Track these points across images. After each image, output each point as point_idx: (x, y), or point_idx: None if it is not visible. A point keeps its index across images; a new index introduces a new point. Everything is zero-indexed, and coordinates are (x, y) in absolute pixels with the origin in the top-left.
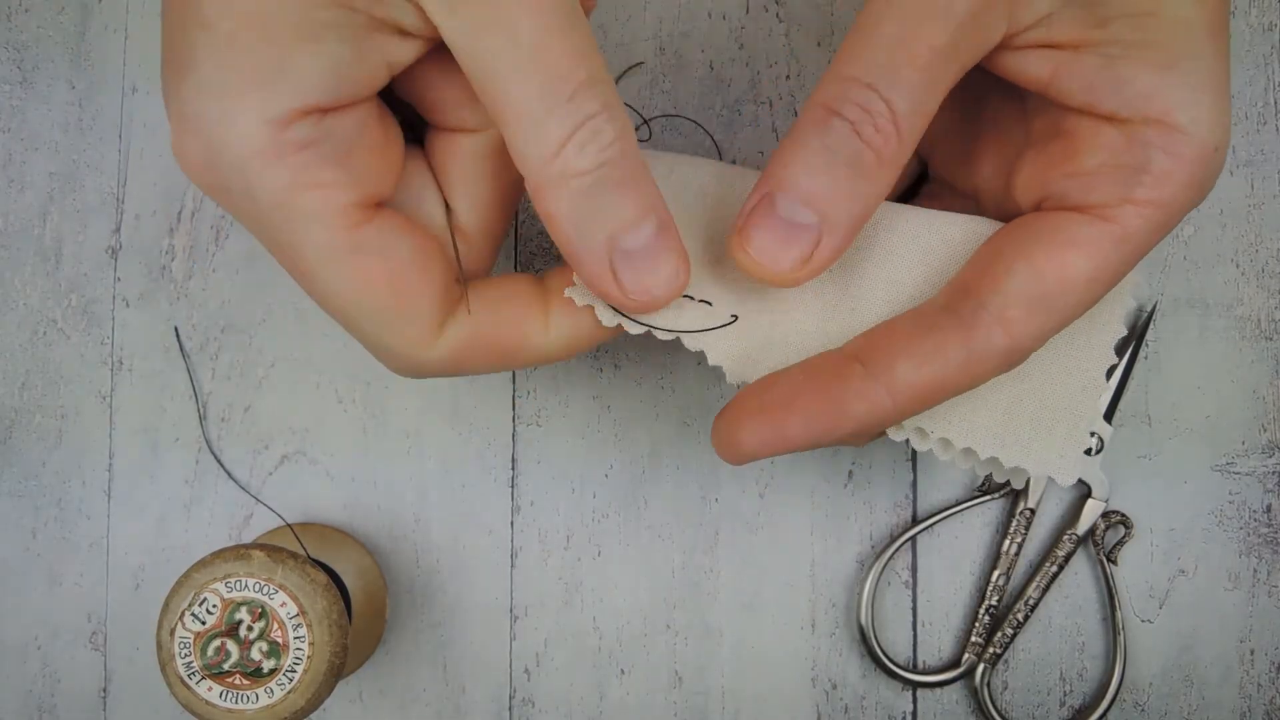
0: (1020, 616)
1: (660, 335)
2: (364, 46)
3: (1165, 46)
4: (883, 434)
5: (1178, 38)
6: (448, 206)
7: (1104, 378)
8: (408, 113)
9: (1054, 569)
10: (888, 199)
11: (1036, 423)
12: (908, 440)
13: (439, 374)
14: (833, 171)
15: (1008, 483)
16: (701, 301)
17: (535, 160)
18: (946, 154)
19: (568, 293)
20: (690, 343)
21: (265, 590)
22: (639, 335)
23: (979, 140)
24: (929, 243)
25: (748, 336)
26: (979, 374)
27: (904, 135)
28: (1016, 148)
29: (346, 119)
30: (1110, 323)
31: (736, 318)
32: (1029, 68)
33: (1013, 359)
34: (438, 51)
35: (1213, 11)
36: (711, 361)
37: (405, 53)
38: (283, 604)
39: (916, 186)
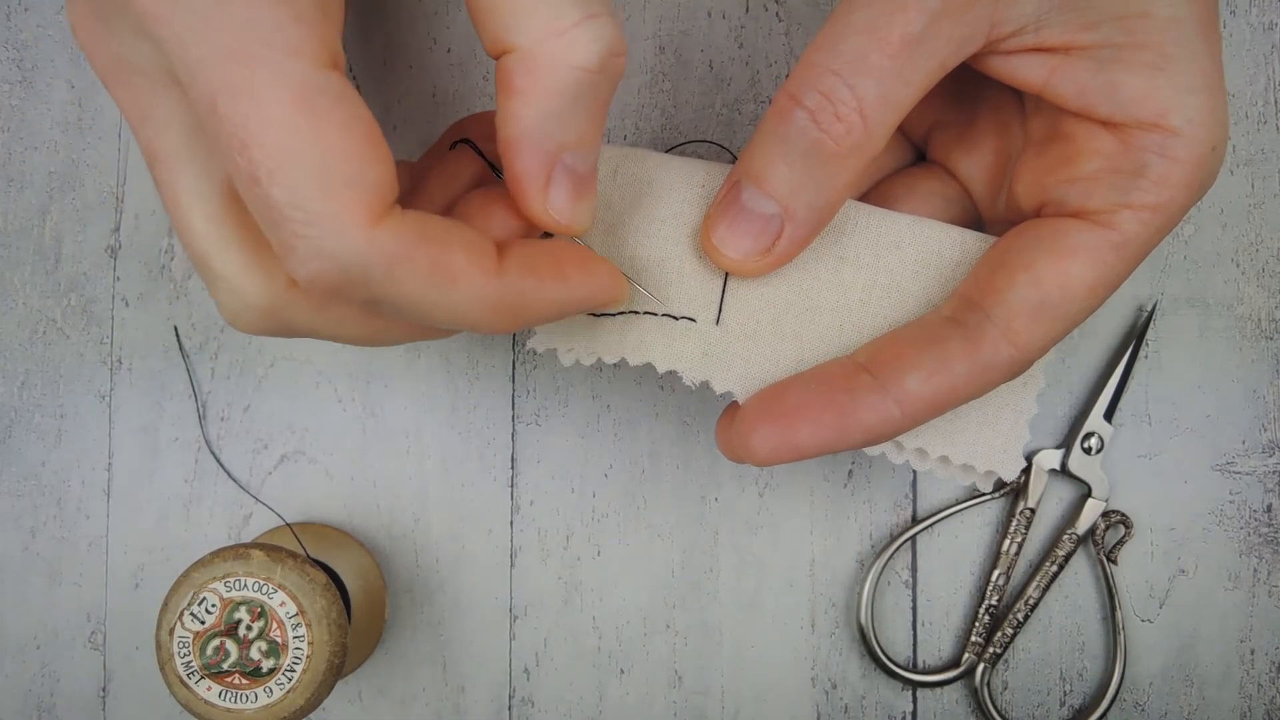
0: (1020, 616)
1: (632, 362)
2: None
3: (1156, 48)
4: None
5: (1168, 38)
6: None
7: (1041, 373)
8: None
9: (1054, 569)
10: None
11: (982, 420)
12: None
13: (355, 277)
14: (791, 161)
15: (1008, 482)
16: (684, 319)
17: (538, 29)
18: (942, 141)
19: (530, 343)
20: (687, 376)
21: (264, 590)
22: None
23: (975, 128)
24: (920, 252)
25: (746, 357)
26: (986, 384)
27: (870, 124)
28: (1014, 141)
29: None
30: None
31: (695, 319)
32: (1023, 72)
33: (1019, 368)
34: None
35: (1202, 8)
36: (719, 390)
37: None
38: (282, 603)
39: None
